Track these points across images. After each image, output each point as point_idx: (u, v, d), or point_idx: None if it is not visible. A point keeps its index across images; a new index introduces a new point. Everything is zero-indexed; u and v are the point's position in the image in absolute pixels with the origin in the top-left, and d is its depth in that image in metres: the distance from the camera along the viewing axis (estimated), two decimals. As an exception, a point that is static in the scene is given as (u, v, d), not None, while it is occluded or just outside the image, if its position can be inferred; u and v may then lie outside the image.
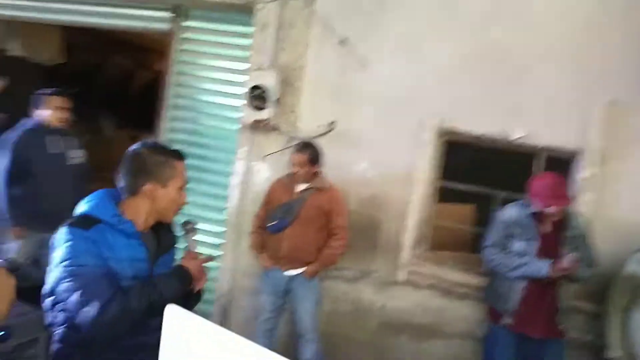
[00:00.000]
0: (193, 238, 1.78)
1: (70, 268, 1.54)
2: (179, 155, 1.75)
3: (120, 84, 6.70)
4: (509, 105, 3.27)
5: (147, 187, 1.67)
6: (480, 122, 3.31)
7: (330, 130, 3.60)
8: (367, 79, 3.53)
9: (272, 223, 3.31)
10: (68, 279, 1.54)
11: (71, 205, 3.28)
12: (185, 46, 4.11)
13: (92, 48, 6.46)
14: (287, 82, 3.68)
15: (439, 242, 3.55)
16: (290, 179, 3.34)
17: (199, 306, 3.98)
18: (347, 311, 3.56)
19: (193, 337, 0.93)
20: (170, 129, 4.15)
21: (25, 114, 4.59)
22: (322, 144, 3.44)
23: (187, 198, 1.76)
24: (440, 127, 3.40)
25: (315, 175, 3.31)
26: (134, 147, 1.74)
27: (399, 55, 3.47)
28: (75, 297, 1.51)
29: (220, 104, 3.99)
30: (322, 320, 3.49)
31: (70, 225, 1.61)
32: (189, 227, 1.78)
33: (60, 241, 1.59)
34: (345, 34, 3.54)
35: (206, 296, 3.93)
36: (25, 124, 3.54)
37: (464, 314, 3.33)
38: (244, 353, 0.87)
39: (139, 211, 1.70)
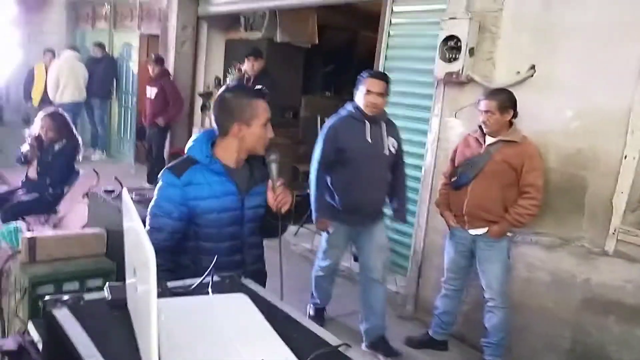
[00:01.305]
0: (274, 167, 1.89)
1: (153, 207, 1.87)
2: (258, 94, 1.89)
3: (370, 57, 7.15)
4: None
5: (234, 127, 1.86)
6: None
7: (530, 76, 3.18)
8: (575, 10, 2.97)
9: (455, 179, 3.17)
10: (148, 214, 1.87)
11: (382, 198, 3.29)
12: (396, 7, 4.19)
13: (343, 27, 7.08)
14: (484, 28, 3.40)
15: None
16: (479, 133, 3.12)
17: (397, 260, 4.12)
18: (544, 282, 3.12)
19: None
20: (381, 92, 4.31)
21: (280, 93, 5.48)
22: (520, 92, 3.09)
23: (271, 133, 1.90)
24: (672, 58, 2.63)
25: (506, 127, 3.02)
26: (220, 91, 1.95)
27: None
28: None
29: (423, 61, 3.95)
30: (514, 288, 3.19)
31: (169, 169, 1.89)
32: (272, 158, 1.89)
33: (159, 181, 1.90)
34: (547, -37, 3.05)
35: (403, 252, 4.05)
36: (344, 107, 3.22)
37: (698, 301, 2.55)
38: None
39: (230, 150, 1.90)
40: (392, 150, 3.20)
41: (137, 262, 1.14)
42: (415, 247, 3.80)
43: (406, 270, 3.93)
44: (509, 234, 3.05)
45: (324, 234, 3.34)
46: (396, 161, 3.28)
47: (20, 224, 3.63)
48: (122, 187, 3.35)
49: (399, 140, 3.28)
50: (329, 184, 3.21)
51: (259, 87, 1.95)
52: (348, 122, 3.16)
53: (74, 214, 4.29)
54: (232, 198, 1.90)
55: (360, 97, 3.12)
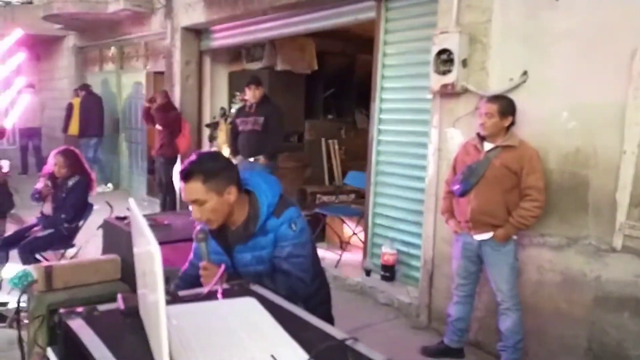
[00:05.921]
0: (202, 245, 1.88)
1: None
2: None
3: (368, 79, 7.31)
4: None
5: None
6: None
7: (523, 82, 3.25)
8: (560, 15, 3.06)
9: (457, 186, 3.21)
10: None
11: None
12: (389, 27, 4.32)
13: (342, 52, 7.25)
14: (474, 39, 3.50)
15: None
16: (477, 140, 3.18)
17: (409, 271, 4.14)
18: (555, 282, 3.12)
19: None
20: (380, 110, 4.43)
21: (284, 118, 5.59)
22: (515, 98, 3.16)
23: (193, 214, 1.86)
24: (660, 52, 2.69)
25: (503, 132, 3.08)
26: None
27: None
28: None
29: (418, 77, 4.04)
30: (526, 291, 3.20)
31: None
32: (198, 237, 1.88)
33: None
34: (530, -28, 3.16)
35: (413, 263, 4.08)
36: None
37: None
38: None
39: None
40: None
41: (145, 266, 1.21)
42: (425, 257, 3.83)
43: (417, 281, 3.95)
44: (514, 237, 3.08)
45: None
46: None
47: (30, 269, 3.70)
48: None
49: None
50: None
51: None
52: None
53: (90, 247, 4.38)
54: (220, 255, 1.97)
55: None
